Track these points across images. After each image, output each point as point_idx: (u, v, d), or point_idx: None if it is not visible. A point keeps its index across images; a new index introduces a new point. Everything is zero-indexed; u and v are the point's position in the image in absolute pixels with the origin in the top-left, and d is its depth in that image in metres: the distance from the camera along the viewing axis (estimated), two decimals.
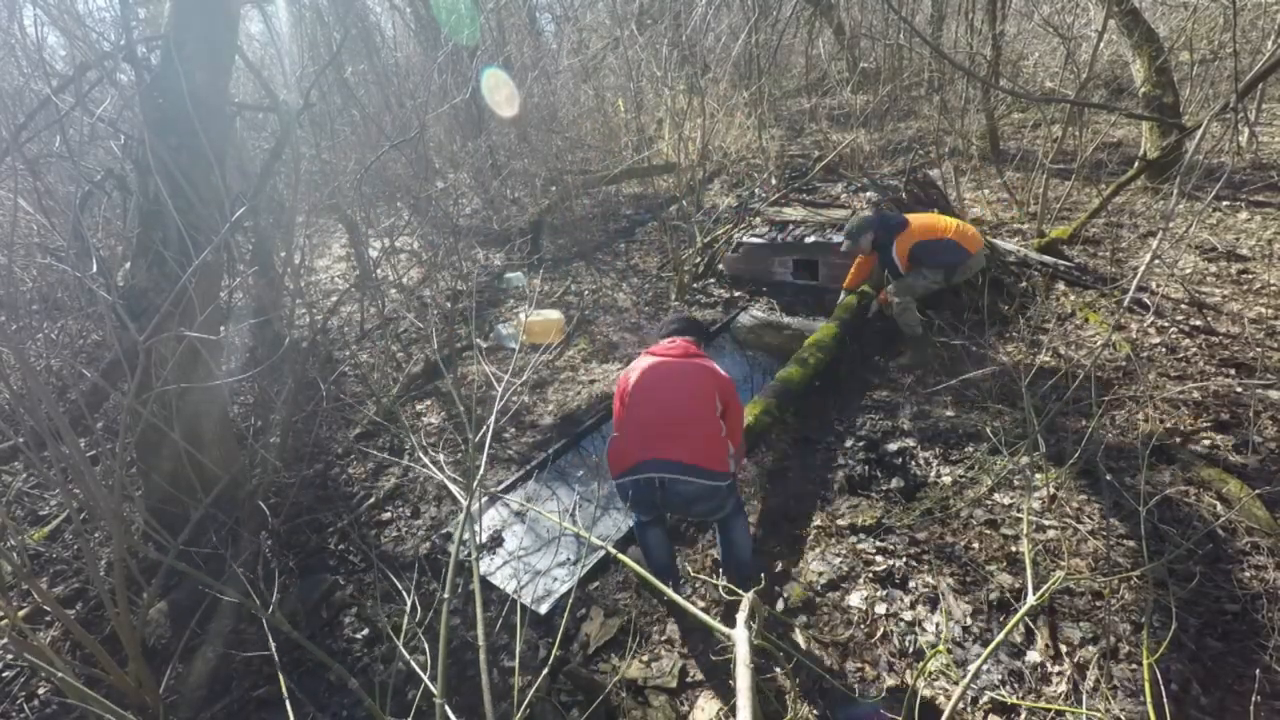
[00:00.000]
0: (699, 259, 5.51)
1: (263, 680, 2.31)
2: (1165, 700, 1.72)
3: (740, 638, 1.29)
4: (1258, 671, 1.92)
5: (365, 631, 2.49)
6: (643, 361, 2.41)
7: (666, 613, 2.41)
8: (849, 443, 3.18)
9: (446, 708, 1.27)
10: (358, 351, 4.65)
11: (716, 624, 1.35)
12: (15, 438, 1.90)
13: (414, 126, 5.75)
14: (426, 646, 1.35)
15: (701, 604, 2.47)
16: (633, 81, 7.94)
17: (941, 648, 1.80)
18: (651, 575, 2.18)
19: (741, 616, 1.37)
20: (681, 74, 7.31)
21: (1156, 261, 2.79)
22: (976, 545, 2.51)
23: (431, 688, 1.27)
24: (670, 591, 1.49)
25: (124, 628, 2.03)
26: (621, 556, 1.62)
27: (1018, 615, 1.27)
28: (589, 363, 4.41)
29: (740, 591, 1.57)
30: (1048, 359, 3.59)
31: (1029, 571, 1.39)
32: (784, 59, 11.36)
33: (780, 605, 2.38)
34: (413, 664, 1.32)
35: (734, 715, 2.02)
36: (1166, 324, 3.72)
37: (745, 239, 5.17)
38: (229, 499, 2.94)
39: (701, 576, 2.51)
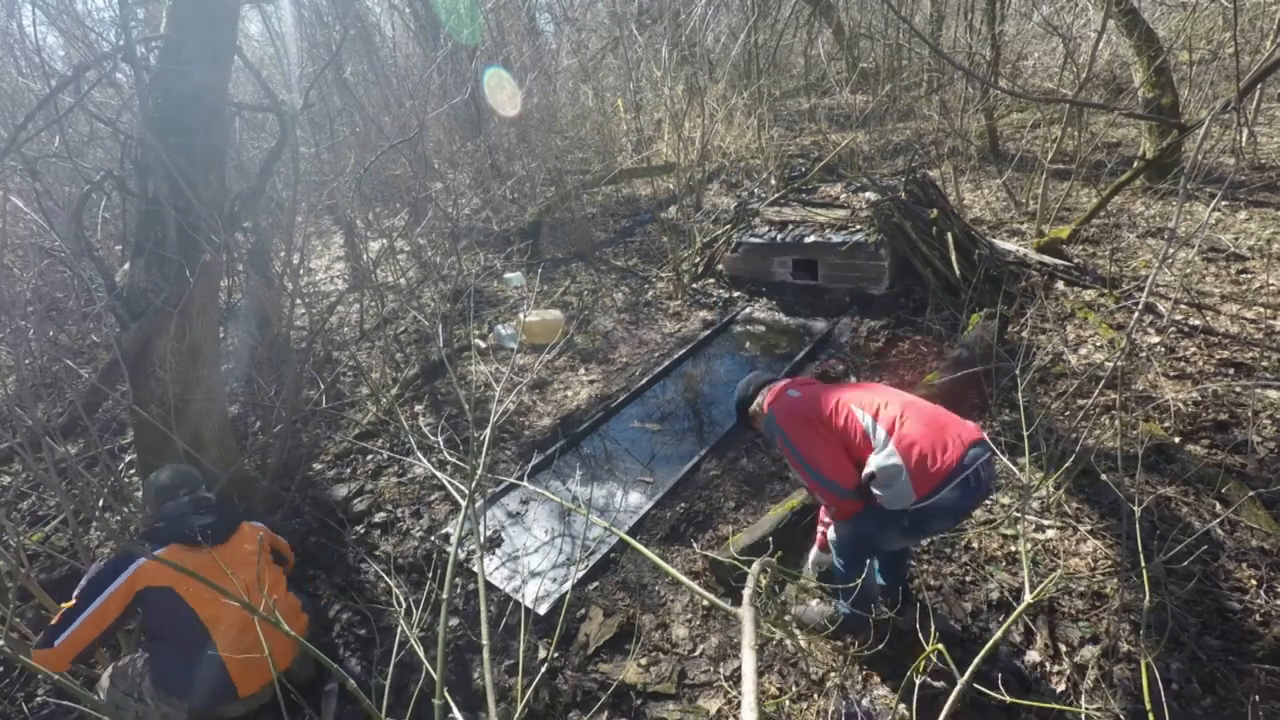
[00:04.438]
0: (699, 259, 5.51)
1: None
2: (1165, 700, 1.72)
3: (747, 616, 1.20)
4: (1257, 671, 1.92)
5: (363, 632, 2.49)
6: (805, 387, 2.03)
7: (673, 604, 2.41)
8: None
9: (451, 705, 1.26)
10: (356, 352, 4.65)
11: (723, 603, 1.32)
12: (12, 439, 1.89)
13: (413, 126, 5.75)
14: (422, 649, 1.35)
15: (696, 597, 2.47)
16: (632, 82, 7.94)
17: (938, 645, 1.79)
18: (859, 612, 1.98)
19: (748, 593, 1.28)
20: (681, 74, 7.31)
21: (1162, 267, 2.78)
22: (976, 545, 2.51)
23: (434, 675, 1.26)
24: (675, 571, 1.47)
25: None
26: (631, 541, 1.61)
27: (1014, 614, 1.26)
28: (588, 363, 4.40)
29: (742, 565, 1.47)
30: (1047, 359, 3.59)
31: (1026, 571, 1.39)
32: (783, 59, 11.36)
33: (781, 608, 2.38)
34: (424, 660, 1.32)
35: (735, 713, 2.02)
36: (1166, 324, 3.72)
37: (745, 239, 5.17)
38: (228, 499, 2.94)
39: (709, 554, 2.51)
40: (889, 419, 1.81)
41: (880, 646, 1.75)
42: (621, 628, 2.35)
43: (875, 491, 1.81)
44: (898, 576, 2.20)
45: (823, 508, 2.01)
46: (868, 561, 2.01)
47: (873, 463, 1.79)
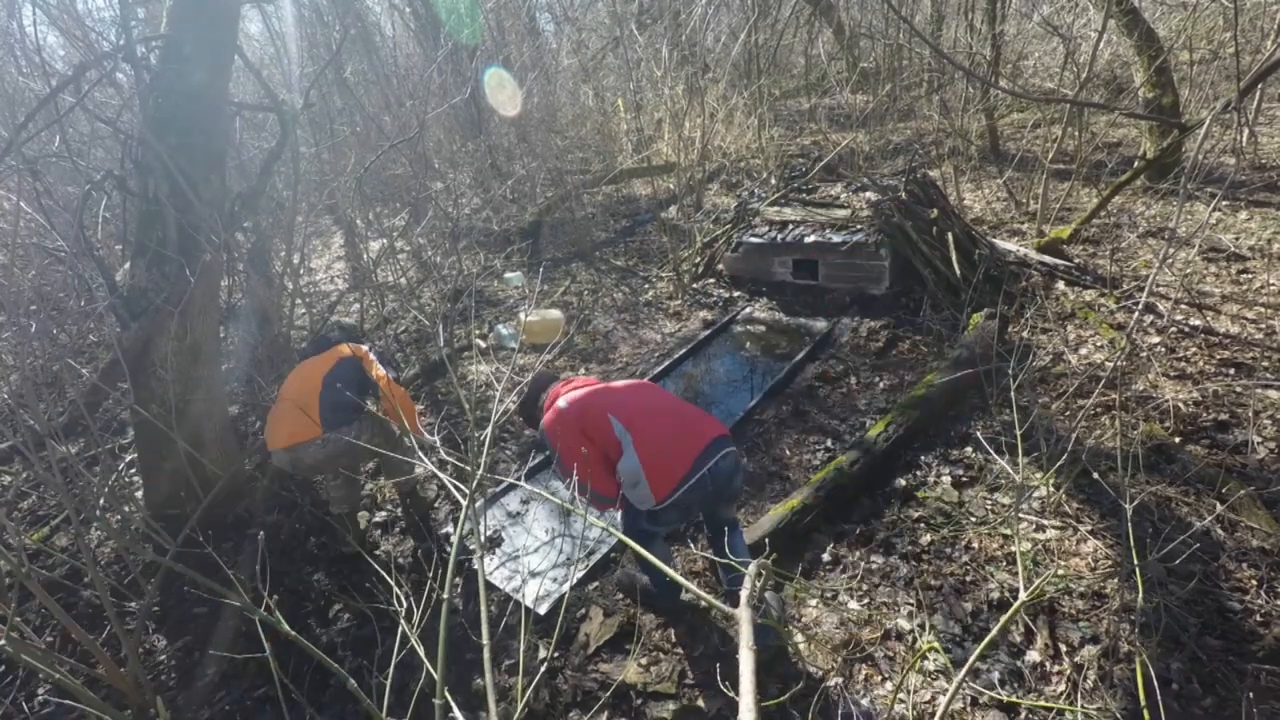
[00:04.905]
0: (699, 259, 5.51)
1: (262, 680, 2.31)
2: (1165, 700, 1.72)
3: (744, 617, 1.20)
4: (1257, 671, 1.92)
5: (363, 632, 2.49)
6: (580, 391, 2.16)
7: (668, 621, 2.41)
8: (848, 441, 3.18)
9: (451, 704, 1.26)
10: None
11: (719, 603, 1.32)
12: (14, 438, 1.89)
13: (413, 126, 5.75)
14: (422, 649, 1.35)
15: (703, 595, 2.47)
16: (632, 82, 7.94)
17: (935, 643, 1.80)
18: (659, 583, 2.20)
19: (745, 594, 1.29)
20: (681, 74, 7.31)
21: (1162, 267, 2.77)
22: (976, 545, 2.51)
23: (434, 674, 1.26)
24: (673, 573, 1.46)
25: (122, 630, 2.03)
26: (631, 543, 1.61)
27: (1009, 613, 1.26)
28: (588, 363, 4.41)
29: (740, 567, 1.48)
30: (1047, 358, 3.59)
31: (1020, 569, 1.39)
32: (784, 59, 11.36)
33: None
34: (425, 660, 1.32)
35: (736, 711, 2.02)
36: (1166, 324, 3.72)
37: (745, 239, 5.17)
38: (228, 499, 2.94)
39: (705, 554, 2.51)
40: (636, 426, 2.01)
41: None
42: (621, 628, 2.35)
43: (624, 491, 2.05)
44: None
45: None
46: (656, 545, 2.20)
47: (619, 468, 2.02)
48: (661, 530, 2.22)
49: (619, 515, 2.21)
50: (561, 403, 2.11)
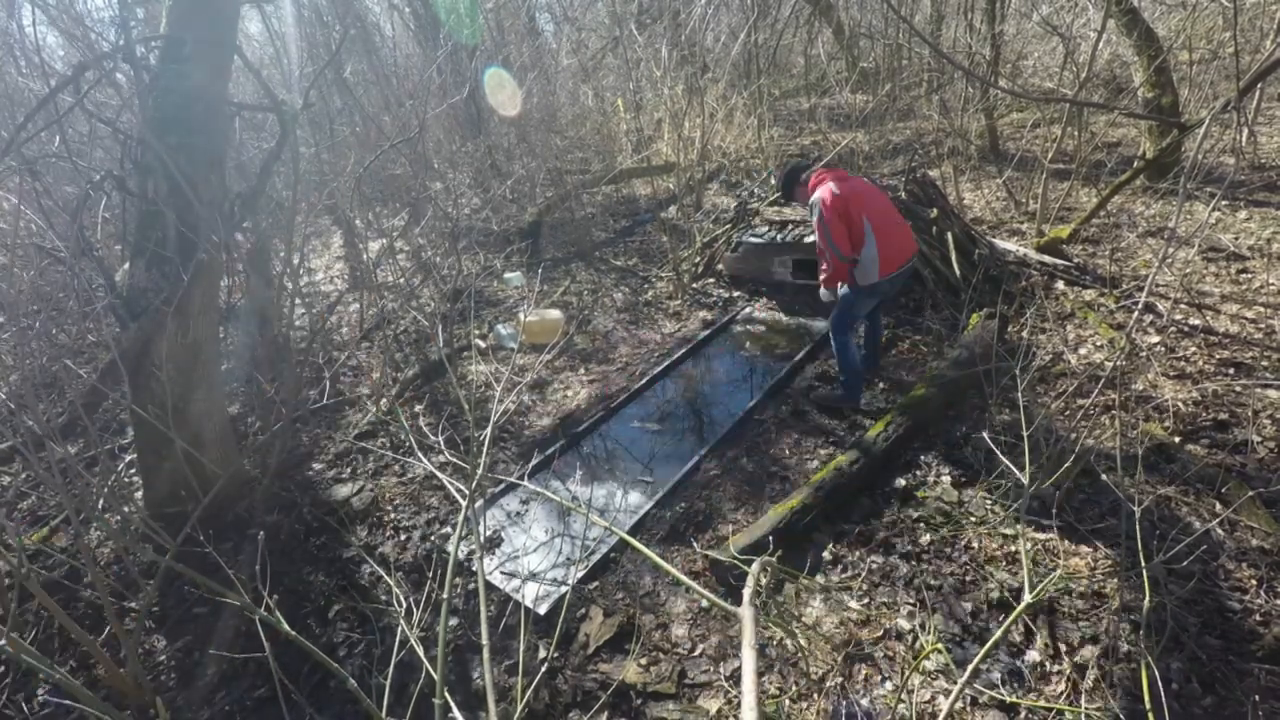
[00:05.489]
0: (699, 259, 5.51)
1: (262, 680, 2.31)
2: (1165, 700, 1.72)
3: (747, 616, 1.21)
4: (1257, 671, 1.92)
5: (363, 631, 2.49)
6: (845, 187, 3.09)
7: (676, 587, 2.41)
8: (848, 441, 3.18)
9: (451, 705, 1.26)
10: (356, 352, 4.65)
11: (723, 602, 1.32)
12: (14, 438, 1.89)
13: (413, 126, 5.75)
14: (422, 649, 1.35)
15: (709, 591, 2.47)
16: (632, 82, 7.94)
17: (939, 645, 1.80)
18: (853, 375, 3.41)
19: (748, 593, 1.29)
20: (681, 74, 7.32)
21: (1162, 267, 2.78)
22: (976, 545, 2.51)
23: (434, 675, 1.26)
24: (675, 571, 1.47)
25: (121, 630, 2.03)
26: (632, 540, 1.61)
27: (1014, 614, 1.26)
28: (588, 363, 4.40)
29: (743, 564, 1.49)
30: (1047, 359, 3.59)
31: (1026, 570, 1.39)
32: (783, 59, 11.37)
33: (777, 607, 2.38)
34: (425, 660, 1.32)
35: (735, 713, 2.02)
36: (1166, 324, 3.72)
37: (745, 239, 5.17)
38: (228, 499, 2.94)
39: (710, 553, 2.51)
40: (879, 230, 3.07)
41: (863, 403, 3.47)
42: (621, 628, 2.35)
43: (856, 268, 3.14)
44: (873, 354, 3.78)
45: (823, 266, 3.24)
46: (851, 337, 3.32)
47: (863, 252, 3.10)
48: (868, 304, 3.30)
49: (836, 308, 3.30)
50: (835, 188, 3.07)
